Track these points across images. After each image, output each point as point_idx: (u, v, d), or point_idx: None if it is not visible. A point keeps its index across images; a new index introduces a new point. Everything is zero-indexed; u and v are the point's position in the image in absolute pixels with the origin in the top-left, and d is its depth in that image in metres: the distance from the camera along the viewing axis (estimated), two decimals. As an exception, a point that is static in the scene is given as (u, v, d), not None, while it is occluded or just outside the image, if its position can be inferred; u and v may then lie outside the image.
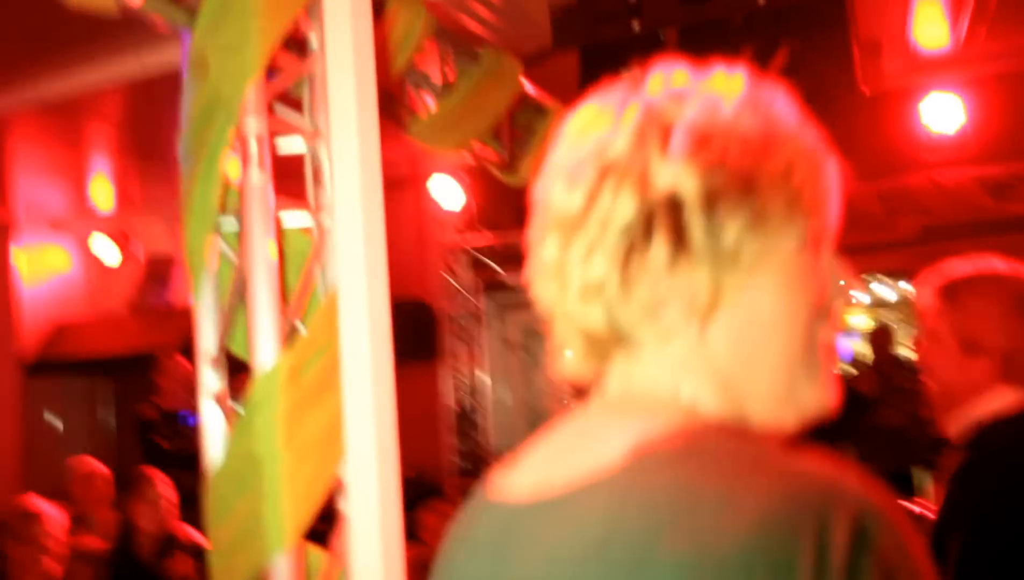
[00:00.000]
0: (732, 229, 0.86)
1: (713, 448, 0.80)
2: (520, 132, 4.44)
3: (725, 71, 0.92)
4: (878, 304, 10.89)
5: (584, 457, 0.86)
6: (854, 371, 7.55)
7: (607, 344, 0.91)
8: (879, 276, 9.60)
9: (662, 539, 0.75)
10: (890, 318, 9.69)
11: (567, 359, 0.96)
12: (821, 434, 0.93)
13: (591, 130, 0.92)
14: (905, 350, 7.69)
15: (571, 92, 1.76)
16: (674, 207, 0.86)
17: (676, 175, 0.86)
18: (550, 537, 0.84)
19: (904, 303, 10.23)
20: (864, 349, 8.69)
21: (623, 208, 0.87)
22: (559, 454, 0.91)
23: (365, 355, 2.40)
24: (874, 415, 6.46)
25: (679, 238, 0.86)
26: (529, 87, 4.25)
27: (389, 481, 2.43)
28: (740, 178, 0.86)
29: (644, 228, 0.86)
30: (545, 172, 0.95)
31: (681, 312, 0.87)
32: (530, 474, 0.93)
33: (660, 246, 0.86)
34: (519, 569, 0.86)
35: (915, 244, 6.45)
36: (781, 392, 0.91)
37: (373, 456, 2.39)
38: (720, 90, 0.90)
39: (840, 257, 0.95)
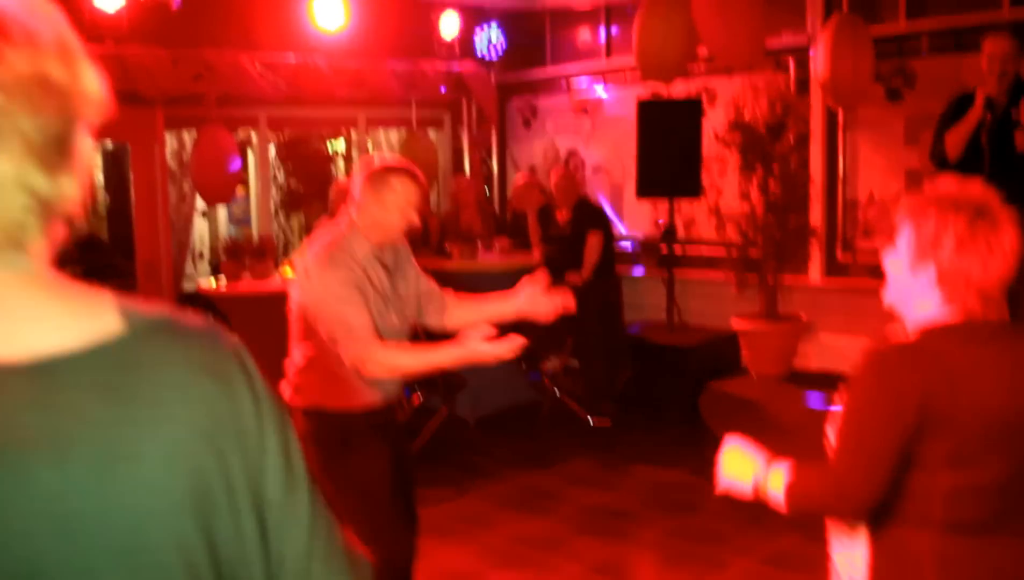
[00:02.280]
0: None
1: (152, 310, 1.05)
2: None
3: None
4: None
5: (57, 326, 0.98)
6: None
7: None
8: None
9: (207, 375, 1.04)
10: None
11: None
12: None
13: None
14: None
15: None
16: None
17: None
18: (78, 395, 0.96)
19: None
20: None
21: (47, 111, 0.95)
22: None
23: None
24: None
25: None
26: None
27: None
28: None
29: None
30: None
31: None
32: None
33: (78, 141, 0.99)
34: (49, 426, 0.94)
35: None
36: None
37: None
38: None
39: None
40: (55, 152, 0.96)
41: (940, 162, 5.65)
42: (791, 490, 2.20)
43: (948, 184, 2.18)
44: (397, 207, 3.45)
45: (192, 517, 1.00)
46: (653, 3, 6.94)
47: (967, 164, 5.37)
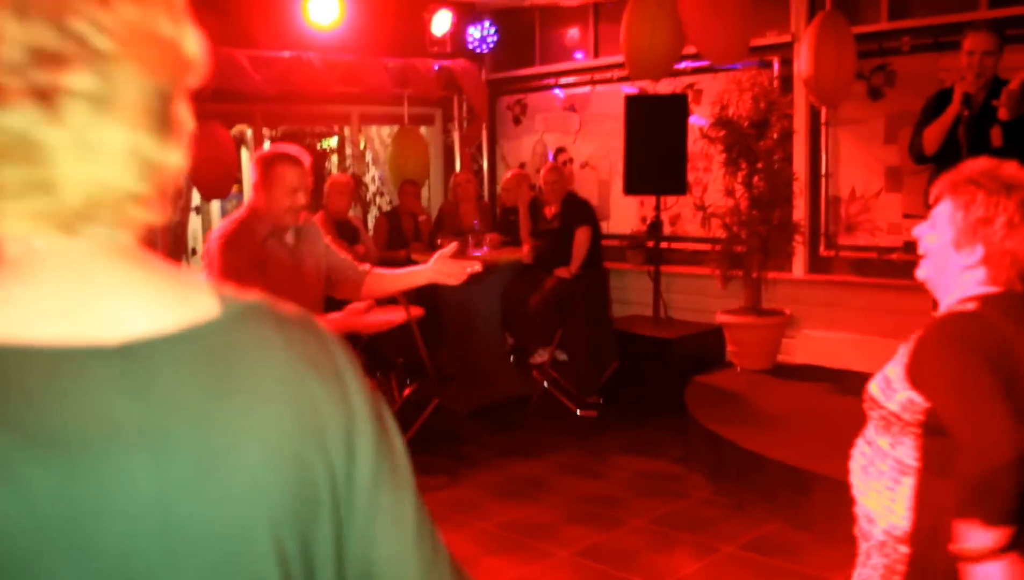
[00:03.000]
0: None
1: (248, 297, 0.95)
2: None
3: None
4: None
5: (149, 306, 0.87)
6: None
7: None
8: None
9: (308, 366, 0.93)
10: None
11: None
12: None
13: None
14: None
15: None
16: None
17: None
18: (178, 372, 0.85)
19: None
20: None
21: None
22: (83, 298, 0.84)
23: None
24: None
25: None
26: None
27: None
28: None
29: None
30: None
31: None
32: (49, 318, 0.82)
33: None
34: (150, 405, 0.83)
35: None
36: None
37: None
38: None
39: None
40: (163, 117, 0.86)
41: (918, 157, 5.76)
42: (963, 500, 2.11)
43: (985, 165, 2.29)
44: (283, 191, 3.69)
45: (292, 523, 0.89)
46: (640, 2, 7.07)
47: (944, 158, 5.42)
